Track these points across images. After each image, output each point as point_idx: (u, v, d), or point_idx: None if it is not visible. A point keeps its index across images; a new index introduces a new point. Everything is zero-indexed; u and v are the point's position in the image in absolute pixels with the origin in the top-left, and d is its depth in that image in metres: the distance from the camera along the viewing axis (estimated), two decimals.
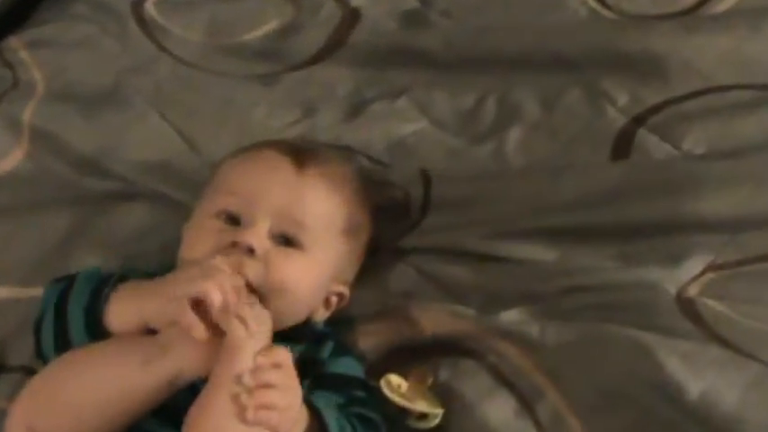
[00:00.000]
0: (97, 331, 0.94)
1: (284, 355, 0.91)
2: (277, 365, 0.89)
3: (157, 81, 1.27)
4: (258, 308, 0.93)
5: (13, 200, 1.19)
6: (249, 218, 1.00)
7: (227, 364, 0.89)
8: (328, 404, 0.94)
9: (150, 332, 0.94)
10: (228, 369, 0.88)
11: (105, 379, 0.91)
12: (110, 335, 0.94)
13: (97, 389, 0.91)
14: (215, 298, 0.90)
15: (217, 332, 0.90)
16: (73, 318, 0.95)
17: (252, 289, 0.97)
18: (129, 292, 0.96)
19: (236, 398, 0.87)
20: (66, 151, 1.20)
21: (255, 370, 0.88)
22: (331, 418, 0.92)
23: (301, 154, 1.05)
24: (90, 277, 0.99)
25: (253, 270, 0.97)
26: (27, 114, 1.23)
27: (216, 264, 0.94)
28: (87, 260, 1.13)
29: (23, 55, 1.31)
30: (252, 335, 0.90)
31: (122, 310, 0.94)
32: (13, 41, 1.34)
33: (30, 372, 1.06)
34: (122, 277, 0.98)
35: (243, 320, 0.90)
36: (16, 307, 1.11)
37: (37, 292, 1.10)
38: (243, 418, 0.87)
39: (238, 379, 0.87)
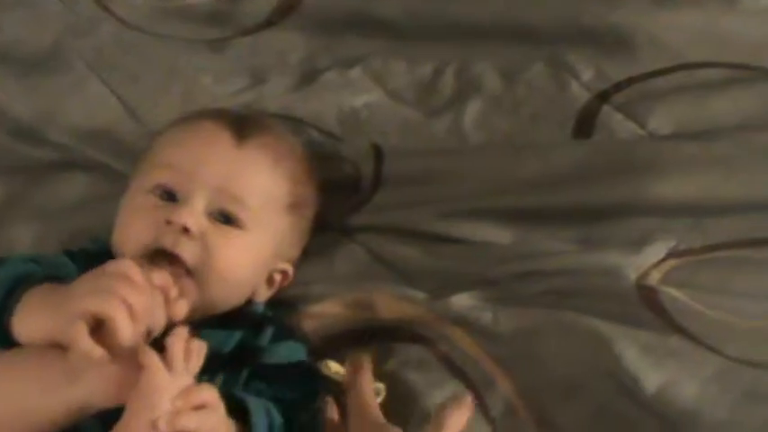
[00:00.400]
0: (4, 338, 0.85)
1: (208, 395, 0.83)
2: (199, 407, 0.82)
3: (100, 44, 1.22)
4: (195, 342, 0.83)
5: None
6: (185, 194, 0.95)
7: (141, 406, 0.80)
8: (260, 404, 0.88)
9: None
10: (143, 414, 0.79)
11: (7, 396, 0.83)
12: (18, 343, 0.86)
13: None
14: (119, 319, 0.81)
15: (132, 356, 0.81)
16: None
17: (188, 272, 0.93)
18: (38, 302, 0.85)
19: None
20: (1, 116, 1.15)
21: (173, 415, 0.80)
22: (260, 418, 0.87)
23: (242, 125, 1.00)
24: (7, 276, 0.88)
25: (189, 251, 0.93)
26: None
27: (122, 270, 0.84)
28: (22, 232, 1.09)
29: None
30: (177, 374, 0.81)
31: (27, 323, 0.84)
32: None
33: None
34: (47, 277, 0.88)
35: (169, 353, 0.81)
36: None
37: None
38: None
39: (154, 425, 0.79)
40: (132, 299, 0.81)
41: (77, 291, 0.83)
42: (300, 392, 0.95)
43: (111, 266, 0.85)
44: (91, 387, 0.81)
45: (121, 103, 1.17)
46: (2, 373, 0.84)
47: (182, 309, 0.86)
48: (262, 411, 0.87)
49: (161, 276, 0.86)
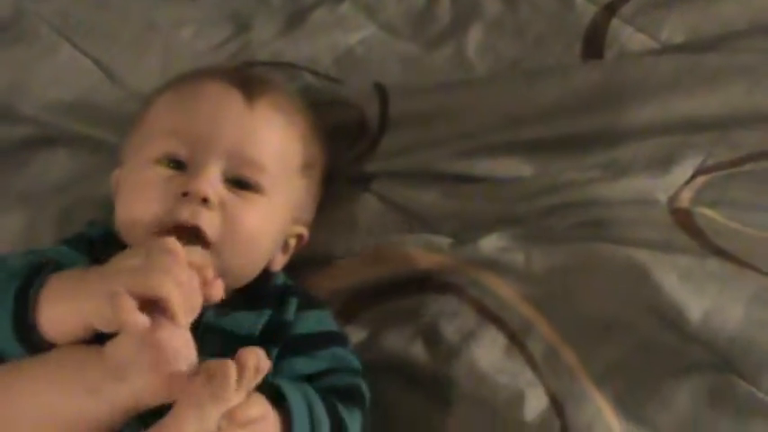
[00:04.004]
0: (32, 342, 0.79)
1: (256, 411, 0.78)
2: (248, 423, 0.78)
3: (64, 4, 1.17)
4: (264, 361, 0.77)
5: None
6: (198, 162, 0.89)
7: (189, 416, 0.74)
8: (297, 391, 0.85)
9: (100, 336, 0.79)
10: (189, 425, 0.74)
11: (46, 409, 0.78)
12: (48, 344, 0.79)
13: (37, 419, 0.78)
14: (173, 299, 0.76)
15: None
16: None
17: (208, 244, 0.87)
18: (65, 288, 0.79)
19: None
20: None
21: None
22: (298, 406, 0.84)
23: (249, 83, 0.94)
24: (13, 273, 0.81)
25: (210, 222, 0.87)
26: None
27: (169, 247, 0.78)
28: (9, 222, 1.03)
29: None
30: (230, 392, 0.76)
31: (57, 314, 0.78)
32: None
33: None
34: (57, 265, 0.81)
35: (227, 370, 0.75)
36: None
37: None
38: None
39: None
40: (182, 278, 0.77)
41: (119, 269, 0.78)
42: (333, 361, 0.91)
43: (155, 243, 0.79)
44: (138, 384, 0.76)
45: (98, 66, 1.13)
46: (41, 378, 0.79)
47: (218, 290, 0.80)
48: (299, 398, 0.83)
49: (198, 255, 0.82)
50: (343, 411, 0.88)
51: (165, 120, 0.93)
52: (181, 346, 0.76)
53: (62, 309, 0.78)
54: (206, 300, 0.80)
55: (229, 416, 0.76)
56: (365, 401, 0.90)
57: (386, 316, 0.99)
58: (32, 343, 0.79)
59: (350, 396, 0.89)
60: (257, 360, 0.76)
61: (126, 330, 0.75)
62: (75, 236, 0.93)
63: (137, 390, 0.76)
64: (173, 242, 0.79)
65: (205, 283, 0.80)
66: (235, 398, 0.76)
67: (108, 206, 0.96)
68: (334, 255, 1.01)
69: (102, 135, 1.07)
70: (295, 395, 0.83)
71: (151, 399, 0.77)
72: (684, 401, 0.91)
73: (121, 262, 0.79)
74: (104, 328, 0.77)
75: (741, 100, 1.03)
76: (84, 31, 1.15)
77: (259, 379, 0.77)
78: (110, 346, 0.77)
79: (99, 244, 0.89)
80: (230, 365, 0.75)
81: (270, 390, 0.82)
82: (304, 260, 1.00)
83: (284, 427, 0.82)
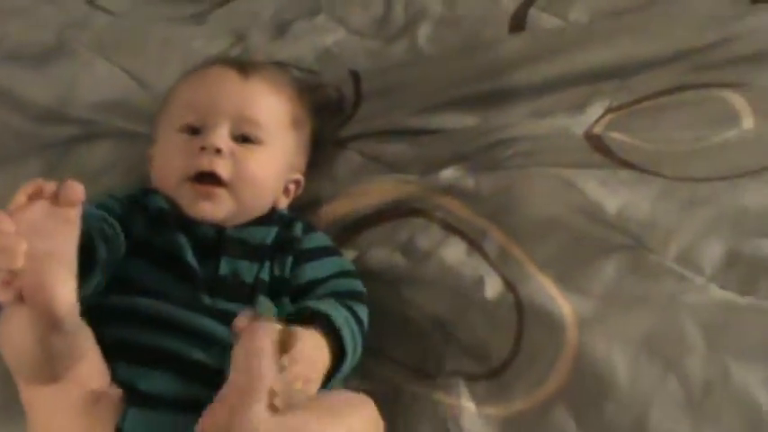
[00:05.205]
0: None
1: (311, 343, 0.94)
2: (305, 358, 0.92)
3: (97, 33, 1.36)
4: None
5: None
6: (210, 125, 1.10)
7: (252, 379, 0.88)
8: (335, 310, 1.00)
9: None
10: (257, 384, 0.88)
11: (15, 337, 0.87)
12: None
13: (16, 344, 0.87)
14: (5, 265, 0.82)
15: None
16: None
17: (223, 183, 1.08)
18: None
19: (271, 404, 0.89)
20: (24, 104, 1.28)
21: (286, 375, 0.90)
22: (342, 324, 0.99)
23: (243, 65, 1.16)
24: None
25: (224, 167, 1.08)
26: None
27: None
28: None
29: None
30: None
31: None
32: None
33: None
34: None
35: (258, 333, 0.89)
36: None
37: None
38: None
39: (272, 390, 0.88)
40: (6, 242, 0.81)
41: None
42: (337, 267, 1.10)
43: None
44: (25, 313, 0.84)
45: (129, 75, 1.30)
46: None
47: (73, 191, 0.84)
48: (343, 320, 1.00)
49: (27, 187, 0.85)
50: (359, 311, 1.04)
51: (181, 99, 1.14)
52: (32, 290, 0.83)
53: None
54: (70, 204, 0.84)
55: (290, 358, 0.90)
56: (365, 297, 1.08)
57: (371, 238, 1.16)
58: None
59: (357, 296, 1.07)
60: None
61: None
62: (121, 193, 1.10)
63: (30, 314, 0.84)
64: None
65: (55, 198, 0.84)
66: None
67: (144, 180, 1.15)
68: (324, 198, 1.19)
69: (134, 128, 1.25)
70: (339, 319, 1.00)
71: (52, 320, 0.85)
72: (609, 273, 1.08)
73: None
74: None
75: (632, 53, 1.23)
76: (116, 49, 1.32)
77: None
78: None
79: (139, 194, 1.09)
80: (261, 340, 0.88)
81: (314, 314, 0.98)
82: (301, 204, 1.17)
83: (331, 341, 0.98)
